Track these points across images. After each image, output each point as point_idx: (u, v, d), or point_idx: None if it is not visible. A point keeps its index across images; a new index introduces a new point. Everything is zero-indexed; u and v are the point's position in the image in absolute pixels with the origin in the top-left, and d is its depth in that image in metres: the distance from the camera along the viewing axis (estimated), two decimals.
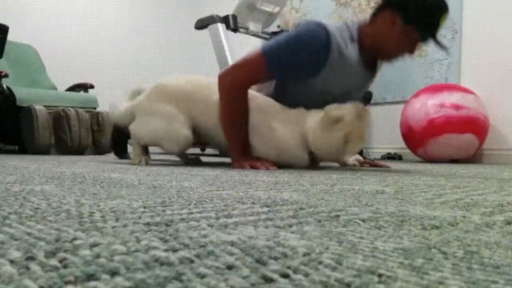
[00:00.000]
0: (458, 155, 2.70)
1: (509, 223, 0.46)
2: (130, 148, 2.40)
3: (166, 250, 0.31)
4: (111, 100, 1.81)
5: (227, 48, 2.87)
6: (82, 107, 3.28)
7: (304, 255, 0.31)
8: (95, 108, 3.42)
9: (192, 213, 0.48)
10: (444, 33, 3.12)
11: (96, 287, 0.23)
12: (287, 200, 0.61)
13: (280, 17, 4.00)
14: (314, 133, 1.46)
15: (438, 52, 3.16)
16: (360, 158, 1.83)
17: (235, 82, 1.50)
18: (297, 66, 1.48)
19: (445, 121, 2.57)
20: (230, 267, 0.27)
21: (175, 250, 0.31)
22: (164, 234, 0.36)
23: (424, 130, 2.65)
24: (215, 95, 1.56)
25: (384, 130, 3.49)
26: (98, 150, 3.29)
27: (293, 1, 4.17)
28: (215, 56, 2.95)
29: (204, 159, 2.48)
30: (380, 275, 0.26)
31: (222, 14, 3.01)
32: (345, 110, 1.43)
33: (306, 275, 0.26)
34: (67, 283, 0.23)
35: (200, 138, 1.65)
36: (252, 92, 1.56)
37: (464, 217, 0.50)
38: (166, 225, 0.41)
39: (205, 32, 3.16)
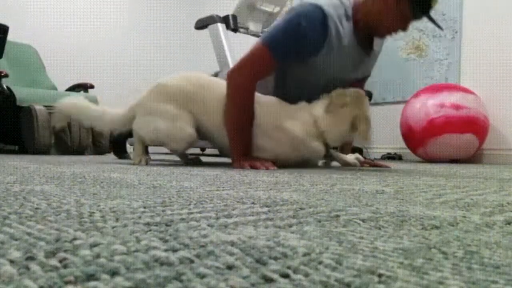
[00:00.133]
0: (458, 155, 2.69)
1: (509, 223, 0.46)
2: (129, 148, 2.40)
3: (166, 250, 0.31)
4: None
5: (227, 48, 2.87)
6: None
7: (304, 255, 0.31)
8: None
9: (192, 213, 0.48)
10: (444, 32, 3.12)
11: (96, 287, 0.23)
12: (287, 200, 0.61)
13: (280, 17, 4.00)
14: (323, 120, 1.52)
15: (438, 52, 3.16)
16: (361, 157, 1.83)
17: (245, 79, 1.50)
18: (299, 50, 1.49)
19: (445, 121, 2.57)
20: (230, 267, 0.27)
21: (175, 250, 0.31)
22: (164, 234, 0.36)
23: (424, 130, 2.65)
24: (216, 95, 1.56)
25: (384, 130, 3.49)
26: (98, 150, 3.29)
27: (293, 1, 4.17)
28: (215, 56, 2.95)
29: (204, 159, 2.48)
30: (380, 275, 0.26)
31: (222, 14, 3.01)
32: (347, 95, 1.53)
33: (306, 275, 0.26)
34: (67, 283, 0.23)
35: (200, 137, 1.65)
36: (255, 94, 1.57)
37: (464, 217, 0.50)
38: (166, 225, 0.41)
39: (205, 32, 3.16)
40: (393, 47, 3.41)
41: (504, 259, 0.31)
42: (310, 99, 1.61)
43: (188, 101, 1.58)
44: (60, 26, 4.31)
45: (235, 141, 1.52)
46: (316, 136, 1.53)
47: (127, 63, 4.76)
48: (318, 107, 1.54)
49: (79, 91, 3.60)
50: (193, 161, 1.80)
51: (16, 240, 0.33)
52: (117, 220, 0.43)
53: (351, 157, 1.79)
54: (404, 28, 1.54)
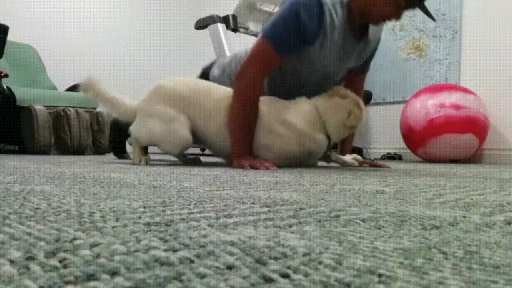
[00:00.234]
0: (458, 155, 2.69)
1: (509, 223, 0.46)
2: (129, 148, 2.40)
3: (166, 250, 0.31)
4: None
5: (227, 48, 2.87)
6: (82, 107, 3.28)
7: (304, 255, 0.31)
8: (95, 108, 3.42)
9: (192, 213, 0.48)
10: (444, 32, 3.12)
11: (96, 287, 0.23)
12: (287, 200, 0.61)
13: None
14: (323, 108, 1.58)
15: (438, 52, 3.16)
16: (359, 157, 1.83)
17: (253, 76, 1.51)
18: (299, 40, 1.51)
19: (445, 121, 2.57)
20: (230, 267, 0.27)
21: (175, 250, 0.31)
22: (164, 234, 0.36)
23: (424, 130, 2.65)
24: (213, 100, 1.58)
25: (384, 130, 3.49)
26: (98, 150, 3.29)
27: None
28: (215, 56, 2.95)
29: (204, 159, 2.48)
30: (380, 275, 0.26)
31: (222, 14, 3.01)
32: (347, 91, 1.62)
33: (306, 275, 0.26)
34: (67, 283, 0.23)
35: (196, 141, 1.66)
36: None
37: (464, 217, 0.50)
38: (166, 225, 0.41)
39: (205, 32, 3.16)
40: (393, 47, 3.41)
41: (504, 259, 0.31)
42: (303, 95, 1.64)
43: (185, 105, 1.59)
44: (60, 26, 4.31)
45: (237, 140, 1.53)
46: (319, 128, 1.58)
47: (127, 63, 4.76)
48: (319, 97, 1.62)
49: (79, 91, 3.59)
50: (193, 161, 1.80)
51: (16, 240, 0.33)
52: (117, 220, 0.43)
53: (348, 157, 1.79)
54: (397, 16, 1.55)
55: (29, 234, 0.35)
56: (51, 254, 0.29)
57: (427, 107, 2.65)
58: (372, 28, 1.68)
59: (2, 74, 2.98)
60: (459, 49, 3.05)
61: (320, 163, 1.94)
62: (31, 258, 0.28)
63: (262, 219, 0.45)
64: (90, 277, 0.25)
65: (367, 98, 2.89)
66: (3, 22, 2.97)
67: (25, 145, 3.05)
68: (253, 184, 0.85)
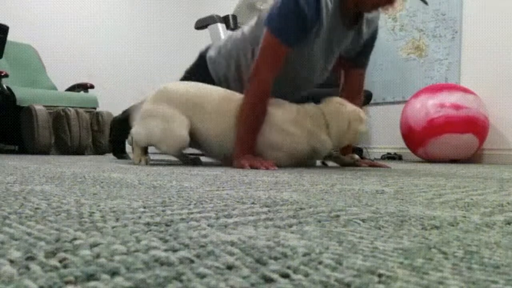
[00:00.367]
0: (458, 155, 2.69)
1: (509, 223, 0.46)
2: (128, 148, 2.40)
3: (166, 250, 0.31)
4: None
5: None
6: (82, 107, 3.28)
7: (304, 255, 0.31)
8: (95, 108, 3.42)
9: (192, 213, 0.48)
10: (444, 32, 3.12)
11: (96, 287, 0.23)
12: (287, 200, 0.61)
13: None
14: (328, 111, 1.63)
15: (438, 52, 3.16)
16: (355, 156, 1.84)
17: (264, 80, 1.53)
18: (301, 29, 1.52)
19: (445, 121, 2.57)
20: (230, 267, 0.27)
21: (175, 250, 0.31)
22: (164, 234, 0.36)
23: (424, 130, 2.65)
24: (214, 104, 1.60)
25: (384, 130, 3.49)
26: (98, 150, 3.29)
27: None
28: None
29: (204, 159, 2.48)
30: (380, 275, 0.26)
31: (222, 14, 3.01)
32: (348, 103, 1.66)
33: (306, 275, 0.26)
34: (67, 283, 0.23)
35: (195, 145, 1.67)
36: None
37: (464, 217, 0.50)
38: (166, 225, 0.41)
39: (205, 32, 3.16)
40: (393, 47, 3.41)
41: (504, 259, 0.31)
42: (292, 85, 1.69)
43: (187, 106, 1.60)
44: (60, 26, 4.31)
45: (242, 139, 1.53)
46: (324, 130, 1.63)
47: (127, 63, 4.76)
48: (324, 103, 1.67)
49: (79, 91, 3.60)
50: (193, 161, 1.80)
51: (16, 240, 0.33)
52: (117, 220, 0.43)
53: (347, 157, 1.81)
54: (390, 2, 1.54)
55: (29, 234, 0.35)
56: (51, 254, 0.29)
57: (427, 107, 2.64)
58: (367, 18, 1.67)
59: (2, 74, 2.98)
60: (459, 49, 3.05)
61: (319, 163, 1.95)
62: (31, 258, 0.28)
63: (262, 219, 0.45)
64: (90, 277, 0.25)
65: (367, 98, 2.89)
66: (3, 22, 2.97)
67: (25, 145, 3.04)
68: (253, 184, 0.85)
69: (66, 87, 3.73)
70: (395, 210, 0.53)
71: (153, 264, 0.27)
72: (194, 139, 1.63)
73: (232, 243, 0.34)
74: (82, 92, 3.58)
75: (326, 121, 1.62)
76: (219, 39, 2.91)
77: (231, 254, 0.30)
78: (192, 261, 0.28)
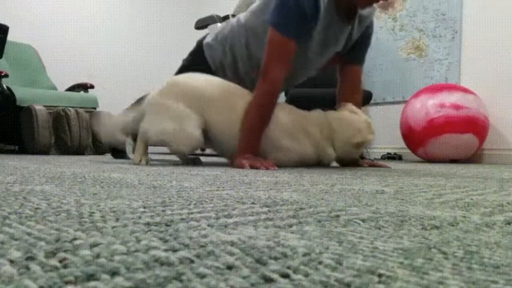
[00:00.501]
0: (458, 155, 2.69)
1: (509, 223, 0.46)
2: (128, 148, 2.39)
3: (166, 250, 0.31)
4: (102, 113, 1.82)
5: None
6: (82, 107, 3.28)
7: (304, 255, 0.31)
8: (95, 108, 3.42)
9: (192, 213, 0.48)
10: (444, 32, 3.12)
11: (96, 287, 0.23)
12: (287, 200, 0.61)
13: None
14: (335, 120, 1.65)
15: (438, 52, 3.16)
16: (358, 157, 1.84)
17: (280, 72, 1.53)
18: (302, 21, 1.52)
19: (445, 121, 2.57)
20: (230, 267, 0.27)
21: (175, 250, 0.31)
22: (164, 234, 0.36)
23: (424, 130, 2.65)
24: (226, 98, 1.57)
25: (384, 130, 3.49)
26: (98, 150, 3.29)
27: None
28: None
29: (204, 159, 2.48)
30: (380, 275, 0.26)
31: (222, 14, 3.01)
32: (359, 111, 1.70)
33: (306, 275, 0.26)
34: (67, 283, 0.23)
35: (207, 143, 1.66)
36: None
37: (464, 217, 0.50)
38: (166, 225, 0.41)
39: (205, 32, 3.15)
40: (393, 47, 3.41)
41: (504, 259, 0.31)
42: (288, 82, 1.71)
43: (198, 102, 1.57)
44: (60, 26, 4.31)
45: (246, 138, 1.53)
46: (331, 142, 1.66)
47: (127, 63, 4.76)
48: (332, 112, 1.70)
49: (79, 91, 3.60)
50: (193, 161, 1.80)
51: (16, 240, 0.33)
52: (117, 220, 0.43)
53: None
54: None
55: (29, 234, 0.35)
56: (51, 254, 0.29)
57: (427, 107, 2.64)
58: (360, 15, 1.68)
59: (2, 74, 2.98)
60: (459, 49, 3.05)
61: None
62: (31, 258, 0.28)
63: (262, 219, 0.45)
64: (90, 277, 0.25)
65: (367, 98, 2.89)
66: (3, 22, 2.97)
67: (25, 145, 3.04)
68: (253, 184, 0.85)
69: (66, 87, 3.73)
70: (395, 210, 0.53)
71: (153, 264, 0.27)
72: (207, 136, 1.61)
73: (232, 243, 0.34)
74: (82, 92, 3.58)
75: (333, 131, 1.64)
76: None
77: (231, 254, 0.30)
78: (192, 261, 0.28)
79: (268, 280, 0.25)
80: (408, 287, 0.24)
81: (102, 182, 0.83)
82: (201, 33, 3.53)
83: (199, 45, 1.93)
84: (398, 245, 0.35)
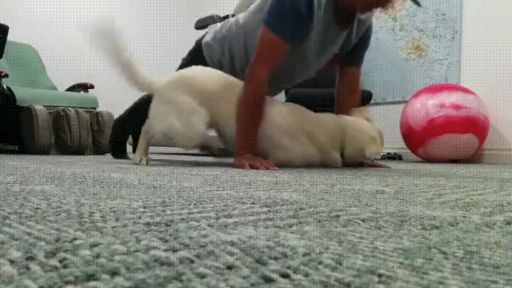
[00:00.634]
0: (458, 155, 2.69)
1: (509, 223, 0.46)
2: (128, 148, 2.39)
3: (166, 250, 0.31)
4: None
5: None
6: (82, 107, 3.28)
7: (304, 255, 0.31)
8: (95, 108, 3.42)
9: (192, 213, 0.48)
10: (444, 32, 3.12)
11: (96, 287, 0.23)
12: (287, 200, 0.61)
13: None
14: (351, 128, 1.63)
15: (438, 52, 3.16)
16: None
17: (266, 71, 1.52)
18: (298, 25, 1.52)
19: (445, 121, 2.57)
20: (230, 267, 0.27)
21: (175, 250, 0.31)
22: (164, 234, 0.36)
23: (424, 130, 2.65)
24: (233, 93, 1.57)
25: (384, 130, 3.49)
26: (98, 150, 3.29)
27: None
28: None
29: (204, 159, 2.48)
30: (380, 275, 0.26)
31: (222, 14, 3.01)
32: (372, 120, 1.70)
33: (306, 275, 0.26)
34: (67, 283, 0.23)
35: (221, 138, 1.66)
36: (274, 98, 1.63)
37: (464, 217, 0.50)
38: (166, 225, 0.41)
39: (204, 31, 3.15)
40: (393, 47, 3.41)
41: (504, 259, 0.31)
42: (281, 82, 1.70)
43: (206, 96, 1.57)
44: (60, 26, 4.31)
45: (242, 138, 1.53)
46: (338, 147, 1.64)
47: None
48: (345, 117, 1.68)
49: (79, 91, 3.60)
50: (207, 149, 1.78)
51: (16, 240, 0.33)
52: (117, 220, 0.43)
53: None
54: (383, 4, 1.54)
55: (29, 234, 0.35)
56: (51, 254, 0.29)
57: (427, 107, 2.64)
58: (359, 18, 1.68)
59: (2, 74, 2.98)
60: (459, 49, 3.05)
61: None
62: (31, 258, 0.28)
63: (262, 219, 0.45)
64: (90, 277, 0.25)
65: (367, 98, 2.89)
66: (3, 22, 2.98)
67: (25, 145, 3.04)
68: (253, 184, 0.85)
69: (66, 87, 3.73)
70: (395, 210, 0.53)
71: (153, 264, 0.27)
72: (217, 130, 1.61)
73: (232, 243, 0.34)
74: (82, 92, 3.58)
75: (345, 136, 1.63)
76: None
77: (231, 254, 0.30)
78: (192, 261, 0.28)
79: (268, 280, 0.25)
80: (408, 287, 0.24)
81: (102, 182, 0.83)
82: (201, 33, 3.53)
83: (198, 44, 1.93)
84: (398, 245, 0.35)
